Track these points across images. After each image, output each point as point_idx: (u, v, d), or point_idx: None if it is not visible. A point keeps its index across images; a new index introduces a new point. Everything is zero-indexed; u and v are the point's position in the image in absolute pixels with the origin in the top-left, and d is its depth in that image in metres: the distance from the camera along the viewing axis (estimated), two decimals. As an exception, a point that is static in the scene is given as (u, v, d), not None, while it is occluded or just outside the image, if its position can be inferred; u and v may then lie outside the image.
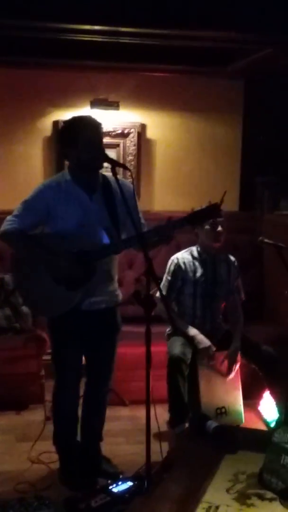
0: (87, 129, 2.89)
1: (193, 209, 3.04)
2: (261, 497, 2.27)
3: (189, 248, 3.90)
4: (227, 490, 2.32)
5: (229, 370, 3.77)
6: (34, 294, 3.06)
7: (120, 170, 3.31)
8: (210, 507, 2.19)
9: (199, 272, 3.81)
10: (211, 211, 2.94)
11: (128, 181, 3.20)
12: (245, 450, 2.64)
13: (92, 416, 3.30)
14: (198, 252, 3.85)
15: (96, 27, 3.71)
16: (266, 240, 3.77)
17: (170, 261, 3.87)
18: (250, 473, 2.43)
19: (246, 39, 3.88)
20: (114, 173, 2.82)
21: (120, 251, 2.99)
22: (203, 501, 2.24)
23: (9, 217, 2.98)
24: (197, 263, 3.82)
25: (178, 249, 4.83)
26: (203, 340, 3.69)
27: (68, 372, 3.15)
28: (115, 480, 2.96)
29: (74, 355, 3.13)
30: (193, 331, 3.72)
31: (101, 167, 2.94)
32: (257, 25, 3.68)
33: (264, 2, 3.62)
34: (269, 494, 2.28)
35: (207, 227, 3.73)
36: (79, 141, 2.88)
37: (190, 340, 3.70)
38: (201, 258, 3.84)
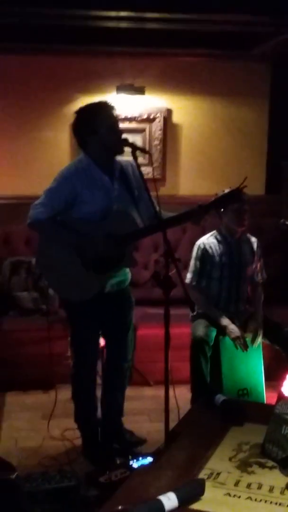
0: (106, 114, 2.97)
1: (217, 194, 3.09)
2: (262, 465, 2.33)
3: (213, 231, 3.91)
4: (230, 459, 2.38)
5: (252, 341, 3.76)
6: (61, 279, 3.12)
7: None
8: (211, 473, 2.25)
9: (225, 255, 3.83)
10: (232, 196, 3.02)
11: (132, 161, 3.07)
12: (252, 423, 2.69)
13: (113, 391, 3.38)
14: (223, 235, 3.86)
15: (122, 13, 3.74)
16: (287, 222, 3.77)
17: (196, 247, 3.89)
18: (254, 444, 2.49)
19: (268, 22, 3.86)
20: (135, 157, 2.88)
21: (145, 237, 3.06)
22: (206, 467, 2.30)
23: (36, 204, 3.03)
24: (222, 246, 3.83)
25: (203, 233, 4.88)
26: (234, 330, 3.71)
27: (87, 352, 3.26)
28: (136, 455, 3.03)
29: (93, 335, 3.23)
30: (225, 320, 3.73)
31: (123, 151, 3.00)
32: (280, 7, 3.66)
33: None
34: (270, 463, 2.34)
35: (231, 211, 3.74)
36: (100, 127, 2.94)
37: (222, 329, 3.72)
38: (226, 241, 3.85)
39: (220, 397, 2.96)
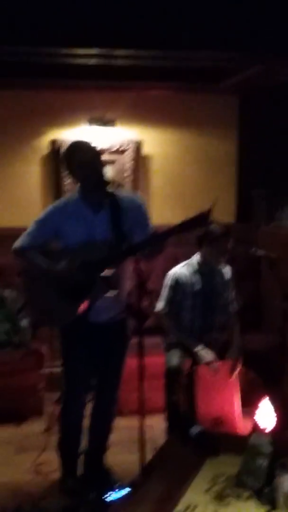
0: (77, 153, 3.06)
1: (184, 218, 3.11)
2: (238, 496, 2.34)
3: (188, 261, 3.94)
4: (206, 491, 2.40)
5: (231, 373, 3.78)
6: (41, 307, 3.18)
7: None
8: (188, 506, 2.26)
9: (197, 285, 3.86)
10: (200, 220, 2.99)
11: (137, 197, 3.31)
12: (227, 454, 2.70)
13: (99, 426, 3.39)
14: (198, 265, 3.88)
15: (91, 51, 3.80)
16: (258, 251, 3.83)
17: (169, 275, 3.92)
18: (229, 475, 2.51)
19: (235, 58, 3.95)
20: (110, 192, 3.06)
21: (117, 262, 3.06)
22: (182, 501, 2.30)
23: (23, 234, 3.19)
24: (195, 277, 3.86)
25: (176, 261, 4.90)
26: (206, 354, 3.73)
27: (77, 381, 3.24)
28: (112, 488, 3.00)
29: (83, 365, 3.22)
30: (196, 346, 3.76)
31: (98, 185, 3.07)
32: (246, 43, 3.75)
33: (251, 21, 3.70)
34: (246, 494, 2.35)
35: (214, 247, 3.78)
36: (72, 164, 3.06)
37: (194, 355, 3.74)
38: (200, 271, 3.88)
39: (195, 429, 2.97)
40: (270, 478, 2.28)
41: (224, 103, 5.29)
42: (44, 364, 4.26)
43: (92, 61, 4.06)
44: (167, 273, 3.95)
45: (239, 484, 2.40)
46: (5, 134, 5.01)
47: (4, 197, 5.04)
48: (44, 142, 5.07)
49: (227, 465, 2.58)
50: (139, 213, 3.16)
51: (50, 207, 3.23)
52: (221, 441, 2.83)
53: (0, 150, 5.03)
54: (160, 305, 3.89)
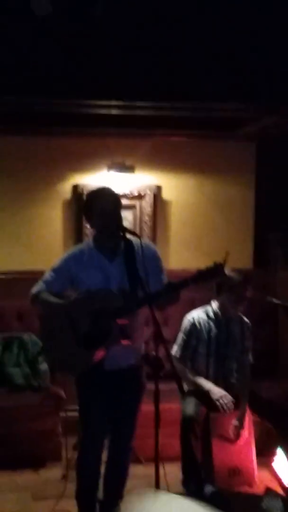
0: (99, 200, 3.12)
1: (198, 269, 3.13)
2: None
3: (205, 306, 3.96)
4: None
5: (237, 436, 3.80)
6: (58, 354, 3.19)
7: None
8: None
9: (213, 333, 3.86)
10: (215, 271, 3.04)
11: (151, 244, 3.37)
12: None
13: (115, 474, 3.39)
14: (214, 313, 3.90)
15: (112, 102, 3.95)
16: (274, 300, 3.86)
17: (185, 320, 3.94)
18: None
19: (251, 109, 4.08)
20: (125, 239, 3.07)
21: (133, 311, 3.09)
22: None
23: (39, 281, 3.22)
24: (212, 323, 3.88)
25: (193, 306, 4.93)
26: (218, 391, 3.72)
27: (94, 429, 3.24)
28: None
29: (99, 412, 3.21)
30: (208, 384, 3.77)
31: (115, 233, 3.12)
32: (262, 95, 3.88)
33: (267, 74, 3.82)
34: None
35: (233, 294, 3.79)
36: (93, 211, 3.12)
37: (206, 394, 3.73)
38: (217, 319, 3.89)
39: (209, 489, 2.97)
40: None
41: (241, 149, 5.39)
42: (63, 408, 4.29)
43: (114, 112, 4.21)
44: (184, 317, 3.97)
45: None
46: (29, 178, 5.14)
47: (26, 240, 5.15)
48: (66, 186, 5.19)
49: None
50: (153, 260, 3.18)
51: (65, 254, 3.26)
52: (235, 501, 2.82)
53: (24, 193, 5.15)
54: (174, 348, 3.92)
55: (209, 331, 3.87)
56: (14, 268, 5.00)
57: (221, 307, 3.89)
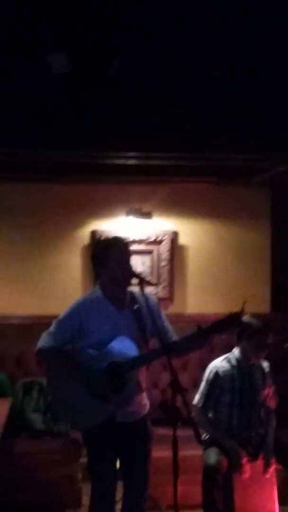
0: (114, 250, 3.15)
1: (216, 319, 3.14)
2: None
3: (227, 355, 3.92)
4: None
5: (265, 471, 3.75)
6: (68, 407, 3.17)
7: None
8: None
9: (237, 381, 3.83)
10: (233, 320, 3.07)
11: (152, 295, 3.39)
12: None
13: None
14: (237, 360, 3.87)
15: (129, 154, 4.08)
16: (289, 347, 3.87)
17: (208, 370, 3.90)
18: None
19: (264, 159, 4.19)
20: (142, 287, 3.06)
21: (150, 363, 3.15)
22: None
23: (44, 334, 3.17)
24: (235, 372, 3.84)
25: (212, 352, 4.94)
26: (236, 454, 3.69)
27: (104, 481, 3.21)
28: None
29: (109, 465, 3.21)
30: (229, 443, 3.73)
31: (129, 283, 3.17)
32: (275, 146, 3.99)
33: (279, 126, 3.94)
34: None
35: (255, 340, 3.78)
36: (108, 261, 3.13)
37: (227, 451, 3.71)
38: (239, 366, 3.85)
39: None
40: None
41: (257, 195, 5.48)
42: (82, 454, 4.28)
43: (131, 162, 4.33)
44: (207, 366, 3.94)
45: None
46: (49, 224, 5.27)
47: (45, 286, 5.23)
48: (85, 233, 5.30)
49: None
50: (157, 310, 3.19)
51: (73, 305, 3.21)
52: None
53: (43, 239, 5.27)
54: (196, 398, 3.88)
55: (232, 380, 3.83)
56: (33, 313, 5.08)
57: (242, 354, 3.87)
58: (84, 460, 4.20)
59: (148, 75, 3.79)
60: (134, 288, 3.20)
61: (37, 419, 4.50)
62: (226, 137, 3.94)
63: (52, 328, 3.18)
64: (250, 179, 5.13)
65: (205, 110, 3.91)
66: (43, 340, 3.15)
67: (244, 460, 3.69)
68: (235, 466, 3.67)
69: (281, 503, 3.83)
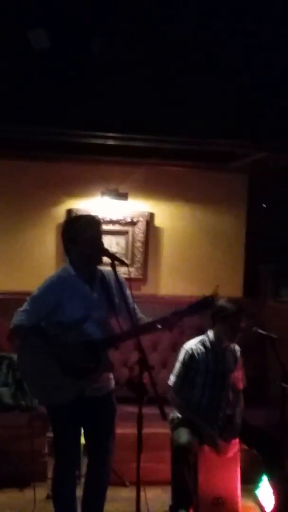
0: (86, 228, 3.15)
1: (190, 302, 3.21)
2: None
3: (201, 337, 3.95)
4: None
5: (229, 452, 3.80)
6: (39, 384, 3.20)
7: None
8: None
9: (210, 363, 3.87)
10: (205, 304, 3.15)
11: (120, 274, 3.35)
12: None
13: (93, 497, 3.37)
14: (211, 343, 3.90)
15: (109, 134, 4.08)
16: (259, 331, 3.93)
17: (183, 351, 3.92)
18: None
19: (241, 145, 4.24)
20: (113, 266, 3.06)
21: (123, 342, 3.17)
22: None
23: (19, 311, 3.16)
24: (209, 354, 3.87)
25: (182, 334, 4.99)
26: (210, 437, 3.75)
27: (69, 454, 3.26)
28: None
29: (74, 438, 3.27)
30: (203, 426, 3.78)
31: (101, 261, 3.18)
32: (252, 133, 4.03)
33: (257, 112, 3.97)
34: None
35: (228, 324, 3.81)
36: (79, 239, 3.14)
37: (201, 435, 3.75)
38: (213, 349, 3.89)
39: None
40: None
41: (233, 180, 5.52)
42: (49, 428, 4.32)
43: (110, 142, 4.34)
44: (182, 347, 3.96)
45: None
46: (25, 202, 5.27)
47: (19, 262, 5.24)
48: (60, 211, 5.30)
49: None
50: (124, 288, 3.19)
51: (46, 283, 3.20)
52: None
53: (18, 215, 5.27)
54: (172, 379, 3.90)
55: (206, 362, 3.86)
56: (6, 288, 5.08)
57: (216, 337, 3.90)
58: (50, 434, 4.28)
59: (130, 56, 3.79)
60: (105, 267, 3.22)
61: (5, 393, 4.51)
62: (202, 122, 3.96)
63: (26, 306, 3.17)
64: (228, 164, 5.16)
65: (185, 93, 3.93)
66: (18, 318, 3.14)
67: (220, 443, 3.76)
68: (214, 450, 3.73)
69: (244, 481, 3.90)
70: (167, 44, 3.78)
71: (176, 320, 3.11)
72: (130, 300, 3.22)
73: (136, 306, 3.28)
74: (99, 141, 4.26)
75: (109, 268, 3.13)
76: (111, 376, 3.32)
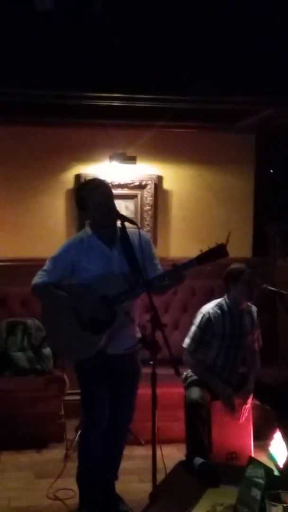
0: (93, 193, 3.21)
1: (201, 250, 3.20)
2: None
3: (218, 301, 3.96)
4: None
5: (240, 413, 3.85)
6: (62, 341, 3.30)
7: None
8: None
9: (228, 327, 3.88)
10: (218, 251, 3.13)
11: (143, 231, 3.45)
12: (227, 485, 2.79)
13: (111, 454, 3.48)
14: (228, 306, 3.91)
15: (114, 94, 4.05)
16: (269, 288, 3.95)
17: (200, 315, 3.92)
18: (228, 505, 2.57)
19: (248, 102, 4.17)
20: (123, 227, 3.15)
21: (137, 295, 3.20)
22: None
23: (39, 272, 3.30)
24: (226, 317, 3.89)
25: (193, 293, 5.02)
26: (226, 396, 3.80)
27: (96, 412, 3.33)
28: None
29: (101, 395, 3.31)
30: (218, 385, 3.83)
31: (113, 223, 3.23)
32: (259, 88, 3.97)
33: (264, 67, 3.91)
34: None
35: (243, 284, 3.83)
36: (88, 204, 3.22)
37: (214, 392, 3.82)
38: (231, 312, 3.90)
39: (198, 460, 3.08)
40: (264, 509, 2.34)
41: (241, 140, 5.48)
42: (66, 391, 4.41)
43: (115, 103, 4.30)
44: (199, 311, 3.96)
45: (235, 513, 2.50)
46: (33, 167, 5.24)
47: (29, 228, 5.25)
48: (69, 176, 5.29)
49: (226, 495, 2.65)
50: (149, 247, 3.32)
51: (65, 243, 3.36)
52: (222, 472, 2.93)
53: (27, 182, 5.25)
54: (187, 342, 3.93)
55: (223, 326, 3.88)
56: (17, 255, 5.11)
57: (233, 300, 3.92)
58: (67, 397, 4.38)
59: (133, 15, 3.73)
60: (128, 225, 3.24)
61: (21, 358, 4.59)
62: (210, 80, 3.91)
63: (46, 266, 3.31)
64: (235, 124, 5.12)
65: (191, 52, 3.87)
66: (38, 277, 3.29)
67: (237, 404, 3.81)
68: (231, 411, 3.79)
69: (256, 438, 3.98)
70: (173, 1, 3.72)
71: (188, 269, 3.11)
72: (153, 259, 3.31)
73: (160, 267, 3.33)
74: (105, 103, 4.21)
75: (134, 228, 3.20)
76: (136, 332, 3.35)
